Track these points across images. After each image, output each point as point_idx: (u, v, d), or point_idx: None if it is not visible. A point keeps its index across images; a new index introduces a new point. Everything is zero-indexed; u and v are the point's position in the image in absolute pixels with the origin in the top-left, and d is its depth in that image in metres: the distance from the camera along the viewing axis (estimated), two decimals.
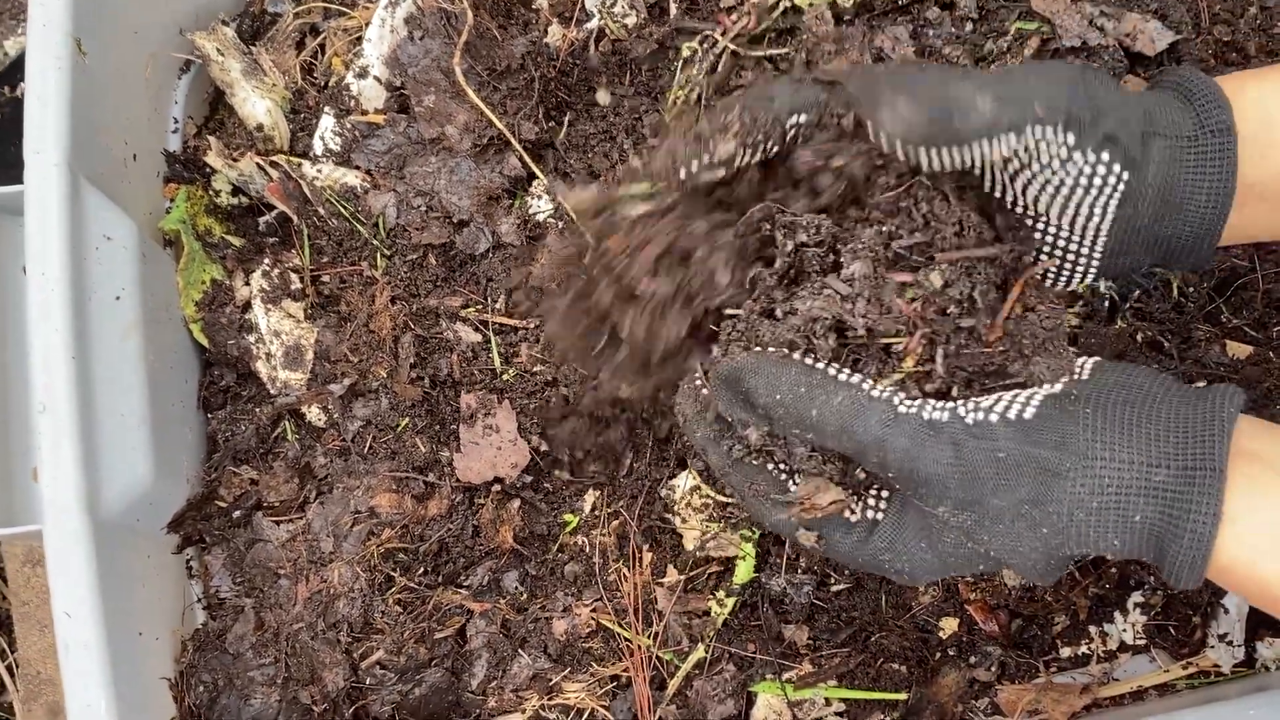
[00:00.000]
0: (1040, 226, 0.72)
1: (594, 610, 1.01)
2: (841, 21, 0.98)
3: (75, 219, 0.92)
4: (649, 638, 1.01)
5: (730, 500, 1.00)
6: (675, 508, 1.01)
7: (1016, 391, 0.66)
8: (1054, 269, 0.74)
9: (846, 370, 0.67)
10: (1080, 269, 0.72)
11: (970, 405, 0.64)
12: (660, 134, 0.82)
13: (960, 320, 0.68)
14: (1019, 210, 0.72)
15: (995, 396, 0.65)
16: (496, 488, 1.03)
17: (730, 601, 1.01)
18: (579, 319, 0.83)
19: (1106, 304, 1.02)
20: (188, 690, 0.99)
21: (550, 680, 1.01)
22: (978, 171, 0.70)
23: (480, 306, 1.04)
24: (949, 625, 1.02)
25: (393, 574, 1.01)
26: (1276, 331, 1.01)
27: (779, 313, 0.71)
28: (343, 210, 1.05)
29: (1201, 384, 0.99)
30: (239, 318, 1.07)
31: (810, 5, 0.98)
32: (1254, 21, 1.01)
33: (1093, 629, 1.03)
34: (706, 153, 0.71)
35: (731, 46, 0.99)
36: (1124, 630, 1.02)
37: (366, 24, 1.08)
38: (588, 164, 1.05)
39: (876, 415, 0.64)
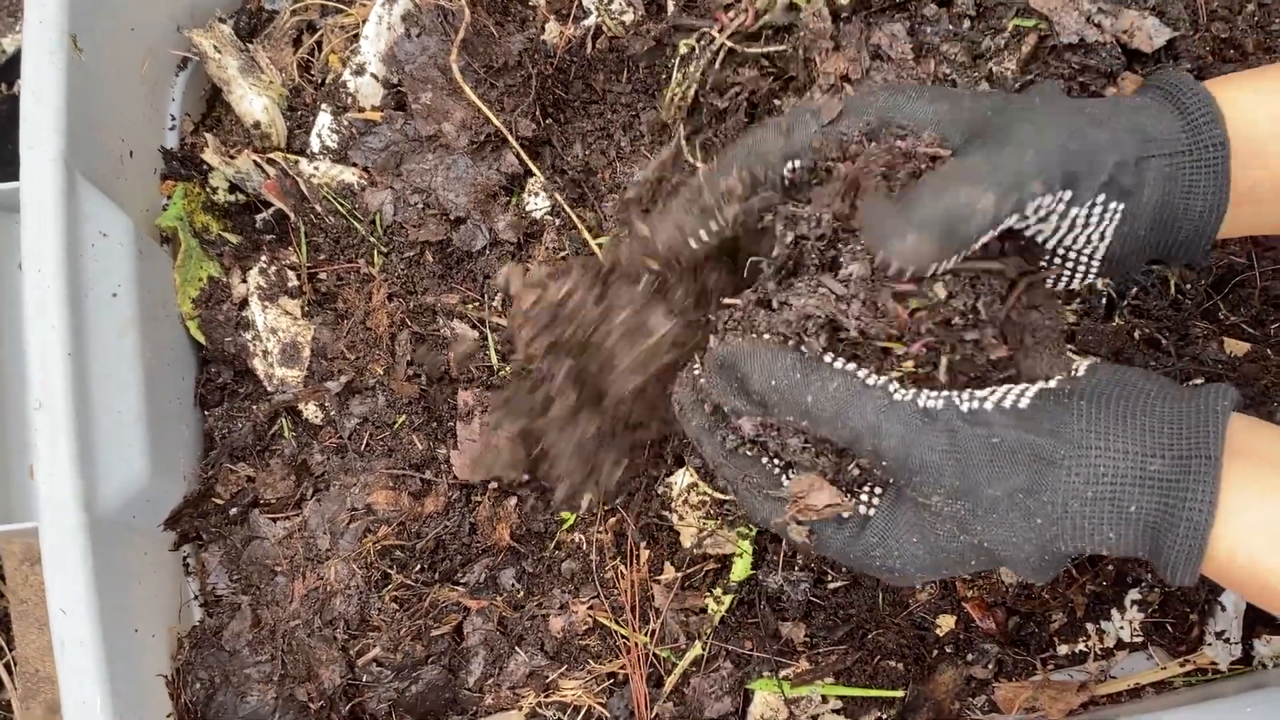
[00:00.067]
0: (1039, 240, 0.72)
1: (591, 608, 1.01)
2: (839, 19, 0.98)
3: (71, 216, 0.92)
4: (646, 635, 1.01)
5: (727, 498, 1.00)
6: (672, 505, 1.01)
7: (1010, 385, 0.66)
8: (1053, 275, 0.75)
9: (841, 359, 0.67)
10: (1079, 274, 0.73)
11: (966, 395, 0.65)
12: (629, 208, 0.82)
13: (965, 333, 0.68)
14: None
15: (990, 389, 0.65)
16: (494, 485, 1.03)
17: (727, 599, 1.01)
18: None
19: (1104, 301, 1.02)
20: (184, 687, 0.99)
21: (547, 678, 1.01)
22: None
23: (477, 304, 1.04)
24: (946, 623, 1.02)
25: (389, 571, 1.01)
26: (1274, 329, 1.01)
27: (774, 303, 0.71)
28: (340, 207, 1.05)
29: (1199, 381, 0.99)
30: (236, 315, 1.07)
31: (808, 2, 0.98)
32: (1251, 18, 1.00)
33: (1090, 626, 1.03)
34: (714, 221, 0.72)
35: (729, 44, 0.99)
36: (1121, 628, 1.02)
37: (364, 21, 1.08)
38: (585, 161, 1.05)
39: (871, 402, 0.64)
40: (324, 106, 1.08)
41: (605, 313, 0.79)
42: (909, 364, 0.67)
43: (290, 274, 1.07)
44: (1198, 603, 1.02)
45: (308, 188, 1.06)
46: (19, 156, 0.92)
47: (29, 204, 0.91)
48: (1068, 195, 0.65)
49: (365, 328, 1.05)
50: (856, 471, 0.70)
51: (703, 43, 1.00)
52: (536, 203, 1.04)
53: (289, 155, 1.08)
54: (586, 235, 1.02)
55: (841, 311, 0.68)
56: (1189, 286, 1.02)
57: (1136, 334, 1.01)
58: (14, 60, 1.49)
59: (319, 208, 1.06)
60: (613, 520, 1.03)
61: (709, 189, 0.72)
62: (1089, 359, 0.70)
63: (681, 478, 1.01)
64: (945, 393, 0.65)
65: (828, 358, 0.67)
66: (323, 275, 1.08)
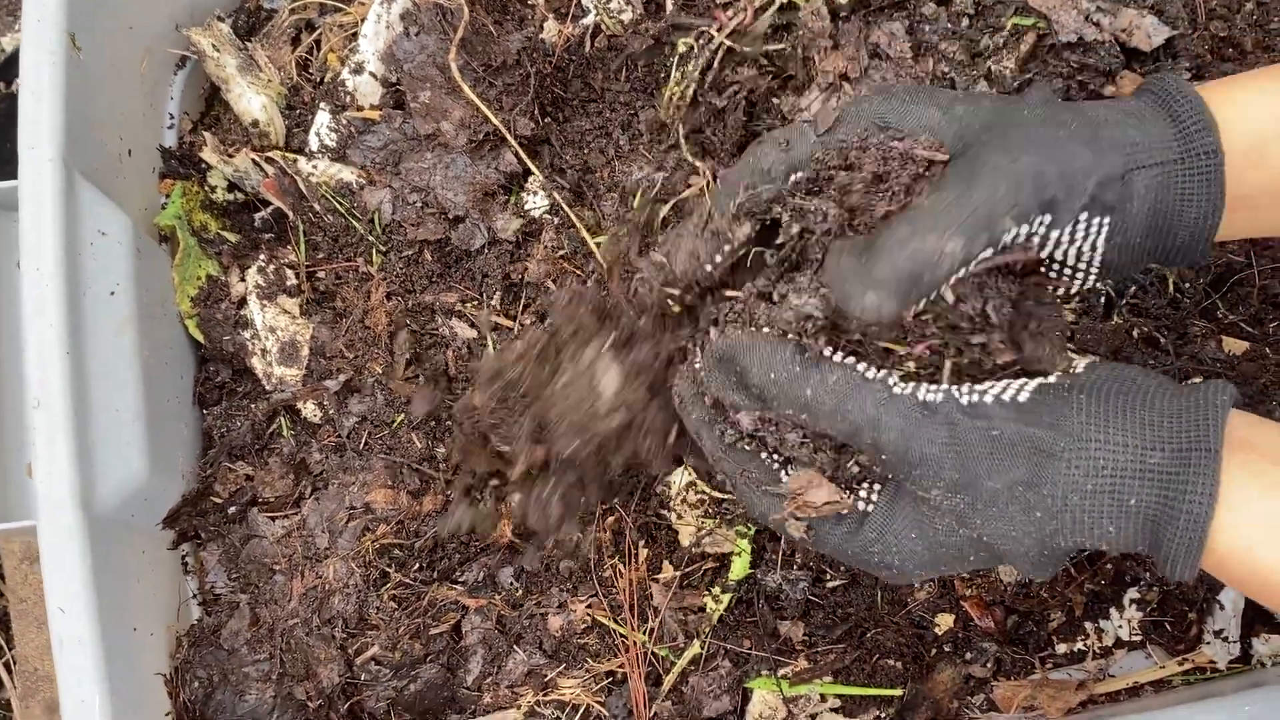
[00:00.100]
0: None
1: (590, 606, 1.01)
2: (837, 18, 0.98)
3: (70, 214, 0.92)
4: (645, 634, 1.01)
5: (726, 496, 1.00)
6: (671, 504, 1.01)
7: (1009, 380, 0.66)
8: (1052, 284, 0.75)
9: (841, 354, 0.67)
10: (1079, 280, 0.72)
11: (965, 388, 0.65)
12: (624, 244, 0.83)
13: (972, 336, 0.68)
14: None
15: (988, 384, 0.65)
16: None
17: (726, 598, 1.01)
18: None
19: (1102, 300, 1.02)
20: (183, 686, 0.99)
21: (545, 676, 1.01)
22: None
23: (476, 302, 1.04)
24: (945, 621, 1.02)
25: (388, 570, 1.01)
26: (1272, 327, 1.01)
27: (775, 296, 0.71)
28: (338, 206, 1.05)
29: (1198, 379, 0.99)
30: (234, 314, 1.07)
31: (806, 1, 0.98)
32: (1250, 17, 1.00)
33: (1088, 625, 1.03)
34: (728, 243, 0.73)
35: (727, 43, 0.99)
36: (1120, 626, 1.02)
37: (362, 20, 1.08)
38: (583, 160, 1.05)
39: (871, 395, 0.64)
40: (322, 105, 1.08)
41: (553, 376, 0.80)
42: (911, 365, 0.67)
43: (289, 272, 1.07)
44: (1196, 601, 1.02)
45: (306, 186, 1.06)
46: (17, 155, 0.92)
47: (27, 202, 0.91)
48: (1046, 219, 0.65)
49: (364, 326, 1.05)
50: (856, 469, 0.70)
51: (701, 41, 0.99)
52: (535, 201, 1.04)
53: (287, 154, 1.08)
54: (585, 234, 1.02)
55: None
56: (1187, 285, 1.02)
57: (1135, 333, 1.01)
58: (13, 59, 1.49)
59: (317, 206, 1.06)
60: (611, 519, 1.03)
61: (719, 213, 0.72)
62: (1088, 357, 0.70)
63: (680, 476, 1.01)
64: (944, 386, 0.65)
65: (827, 351, 0.67)
66: (321, 274, 1.08)
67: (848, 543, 0.70)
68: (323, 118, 1.08)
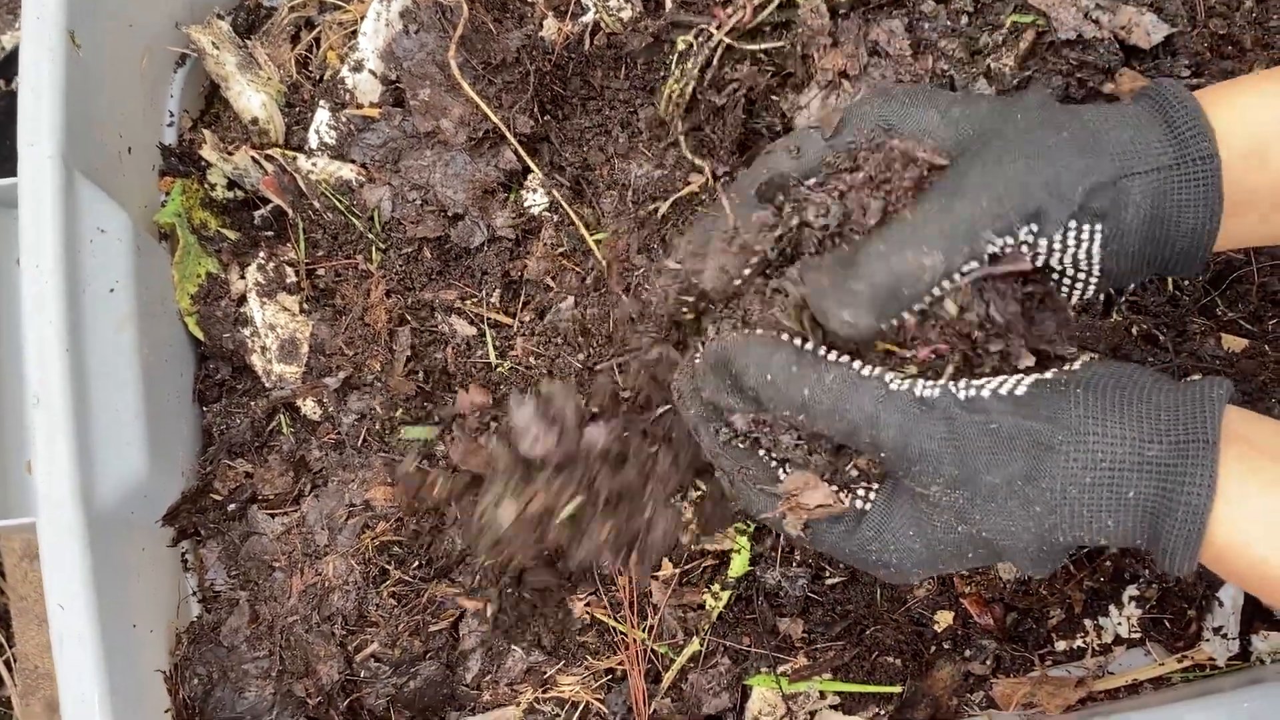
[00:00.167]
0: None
1: (589, 604, 1.01)
2: (837, 15, 0.98)
3: (69, 212, 0.92)
4: (644, 631, 1.01)
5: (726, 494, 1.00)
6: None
7: (1006, 376, 0.66)
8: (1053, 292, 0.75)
9: (836, 353, 0.67)
10: (1079, 289, 0.72)
11: (963, 383, 0.65)
12: (675, 257, 0.85)
13: (990, 345, 0.68)
14: None
15: (984, 380, 0.65)
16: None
17: (725, 595, 1.01)
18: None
19: (1102, 298, 1.02)
20: (182, 683, 0.99)
21: (545, 673, 1.01)
22: None
23: (475, 300, 1.04)
24: (944, 619, 1.02)
25: (387, 567, 1.01)
26: (1271, 325, 1.01)
27: (768, 291, 0.71)
28: (338, 204, 1.05)
29: (1196, 377, 0.99)
30: (234, 311, 1.07)
31: None
32: (1250, 15, 1.00)
33: (1088, 622, 1.03)
34: (755, 255, 0.72)
35: (727, 40, 0.99)
36: (1119, 624, 1.02)
37: (362, 17, 1.08)
38: (583, 158, 1.05)
39: (868, 393, 0.64)
40: (322, 103, 1.08)
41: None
42: (913, 367, 0.67)
43: (288, 270, 1.08)
44: (1195, 599, 1.02)
45: (306, 184, 1.06)
46: (17, 152, 0.92)
47: (27, 200, 0.91)
48: (1033, 229, 0.65)
49: (363, 324, 1.05)
50: (855, 473, 0.70)
51: (700, 39, 0.99)
52: (535, 199, 1.04)
53: (287, 151, 1.08)
54: (584, 232, 1.02)
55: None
56: (1186, 283, 1.02)
57: (1134, 330, 1.01)
58: (12, 56, 1.49)
59: (317, 204, 1.06)
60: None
61: (743, 225, 0.72)
62: (1086, 354, 0.70)
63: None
64: (941, 381, 0.65)
65: (822, 350, 0.67)
66: (321, 271, 1.08)
67: (845, 541, 0.70)
68: (322, 115, 1.08)
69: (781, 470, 0.72)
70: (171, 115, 1.12)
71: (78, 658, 0.88)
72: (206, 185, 1.10)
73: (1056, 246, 0.67)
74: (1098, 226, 0.66)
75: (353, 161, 1.07)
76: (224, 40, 1.11)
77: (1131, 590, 1.02)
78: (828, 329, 0.68)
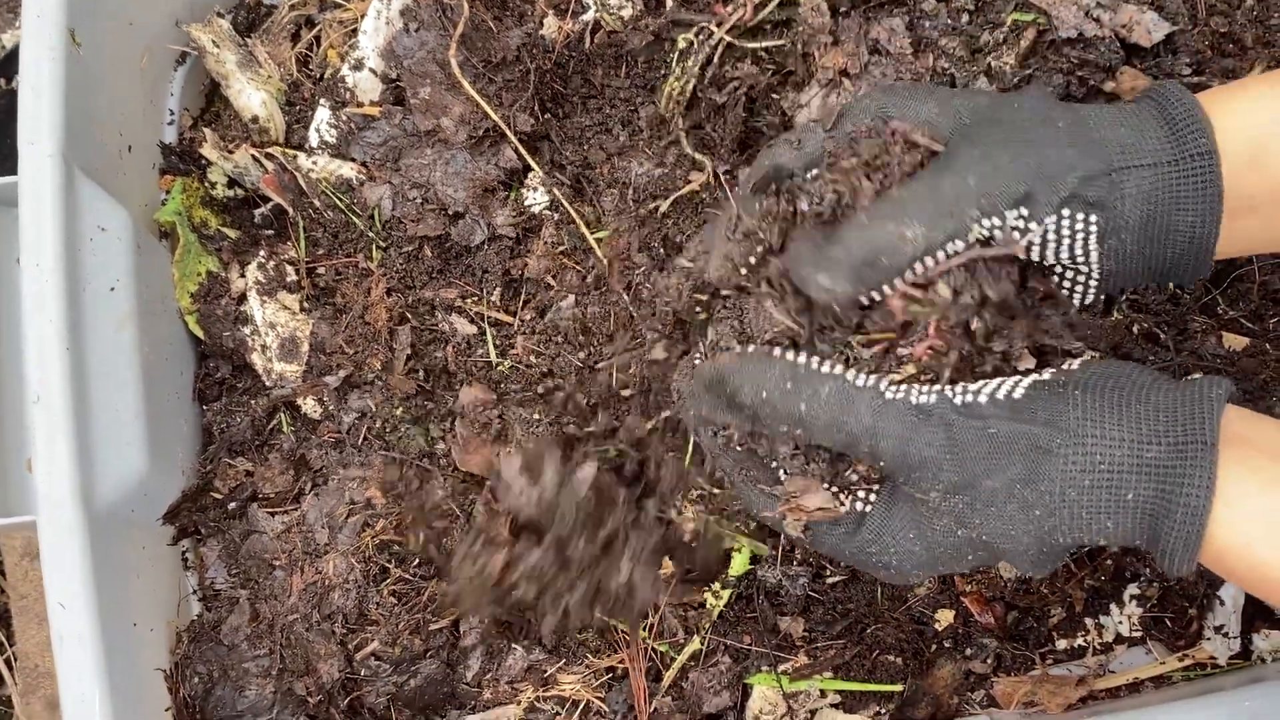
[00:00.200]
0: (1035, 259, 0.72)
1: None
2: (837, 14, 0.98)
3: (70, 210, 0.92)
4: (644, 630, 1.01)
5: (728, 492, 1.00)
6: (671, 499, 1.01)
7: (1003, 378, 0.66)
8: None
9: (829, 362, 0.67)
10: (1079, 292, 0.72)
11: (960, 388, 0.65)
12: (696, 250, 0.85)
13: (993, 343, 0.68)
14: None
15: (981, 383, 0.65)
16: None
17: (726, 593, 1.01)
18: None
19: (1103, 298, 1.02)
20: (183, 681, 0.99)
21: (545, 672, 1.01)
22: None
23: (476, 298, 1.04)
24: (945, 617, 1.02)
25: (388, 565, 1.01)
26: (1273, 323, 1.01)
27: (760, 283, 0.71)
28: (338, 202, 1.05)
29: (1197, 375, 0.99)
30: (234, 310, 1.07)
31: None
32: (1251, 13, 1.00)
33: (1089, 621, 1.03)
34: (761, 245, 0.72)
35: (727, 38, 0.99)
36: (1120, 622, 1.02)
37: (362, 16, 1.08)
38: (583, 155, 1.05)
39: (865, 404, 0.64)
40: (322, 101, 1.08)
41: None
42: (910, 368, 0.67)
43: (289, 269, 1.07)
44: (1196, 597, 1.02)
45: (306, 182, 1.06)
46: (17, 151, 0.92)
47: (27, 198, 0.91)
48: (1023, 212, 0.65)
49: (364, 322, 1.05)
50: (854, 477, 0.70)
51: (701, 37, 0.99)
52: (535, 197, 1.04)
53: (287, 150, 1.08)
54: (585, 230, 1.02)
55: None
56: None
57: (1135, 328, 1.01)
58: (13, 55, 1.49)
59: (317, 202, 1.06)
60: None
61: (747, 215, 0.72)
62: (1086, 353, 0.70)
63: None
64: (936, 387, 0.65)
65: (814, 362, 0.67)
66: (321, 270, 1.08)
67: (845, 543, 0.71)
68: (322, 114, 1.08)
69: (782, 471, 0.72)
70: (172, 113, 1.12)
71: (78, 656, 0.88)
72: (207, 184, 1.10)
73: (1051, 235, 0.66)
74: (1093, 218, 0.66)
75: (353, 160, 1.07)
76: (224, 38, 1.11)
77: (1132, 589, 1.02)
78: (807, 295, 0.68)
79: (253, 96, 1.09)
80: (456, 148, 1.03)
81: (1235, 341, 1.00)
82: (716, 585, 1.01)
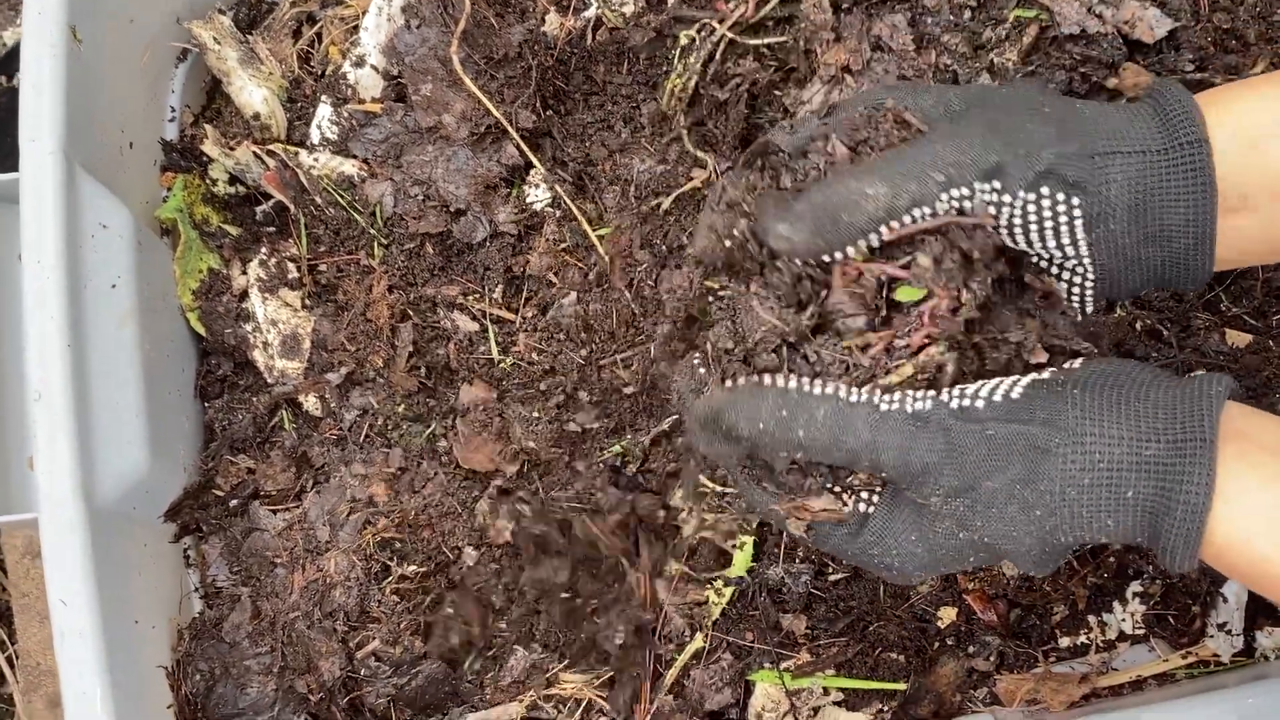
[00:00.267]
0: (1021, 247, 0.71)
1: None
2: (840, 10, 0.98)
3: (71, 207, 0.92)
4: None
5: (729, 490, 1.00)
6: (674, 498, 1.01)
7: (1001, 378, 0.65)
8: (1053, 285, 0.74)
9: (819, 381, 0.67)
10: (1076, 289, 0.72)
11: (956, 391, 0.64)
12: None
13: (1010, 334, 0.68)
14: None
15: (979, 384, 0.65)
16: (495, 482, 1.03)
17: (728, 591, 1.00)
18: None
19: (1104, 300, 1.01)
20: (184, 679, 0.99)
21: (548, 670, 1.01)
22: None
23: (477, 295, 1.04)
24: (947, 615, 1.02)
25: (389, 563, 1.01)
26: (1276, 320, 1.01)
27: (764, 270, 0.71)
28: (340, 199, 1.05)
29: (1200, 373, 0.99)
30: (236, 307, 1.07)
31: None
32: (1254, 9, 1.00)
33: (1091, 619, 1.03)
34: (742, 217, 0.72)
35: (729, 35, 0.98)
36: (1123, 620, 1.02)
37: (363, 13, 1.08)
38: (585, 152, 1.04)
39: (861, 419, 0.64)
40: (324, 98, 1.08)
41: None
42: (907, 368, 0.67)
43: (290, 266, 1.07)
44: (1199, 594, 1.01)
45: (308, 179, 1.06)
46: (18, 148, 0.92)
47: (28, 195, 0.91)
48: (996, 185, 0.65)
49: (365, 319, 1.05)
50: (856, 481, 0.70)
51: (703, 34, 0.99)
52: (537, 194, 1.04)
53: (289, 147, 1.08)
54: (587, 227, 1.02)
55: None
56: None
57: (1138, 325, 1.00)
58: (14, 53, 1.49)
59: (319, 199, 1.06)
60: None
61: (732, 186, 0.73)
62: (1080, 357, 0.70)
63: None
64: (931, 392, 0.65)
65: (805, 383, 0.67)
66: (323, 267, 1.08)
67: (847, 544, 0.71)
68: (324, 111, 1.07)
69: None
70: (173, 110, 1.12)
71: (80, 654, 0.87)
72: (208, 181, 1.10)
73: (1031, 212, 0.66)
74: (1075, 200, 0.65)
75: (354, 157, 1.07)
76: (225, 35, 1.11)
77: (1135, 586, 1.02)
78: (766, 245, 0.69)
79: (254, 93, 1.09)
80: (458, 144, 1.03)
81: (1238, 338, 1.00)
82: (719, 583, 1.01)
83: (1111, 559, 1.01)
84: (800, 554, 1.00)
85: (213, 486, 1.06)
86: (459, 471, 1.02)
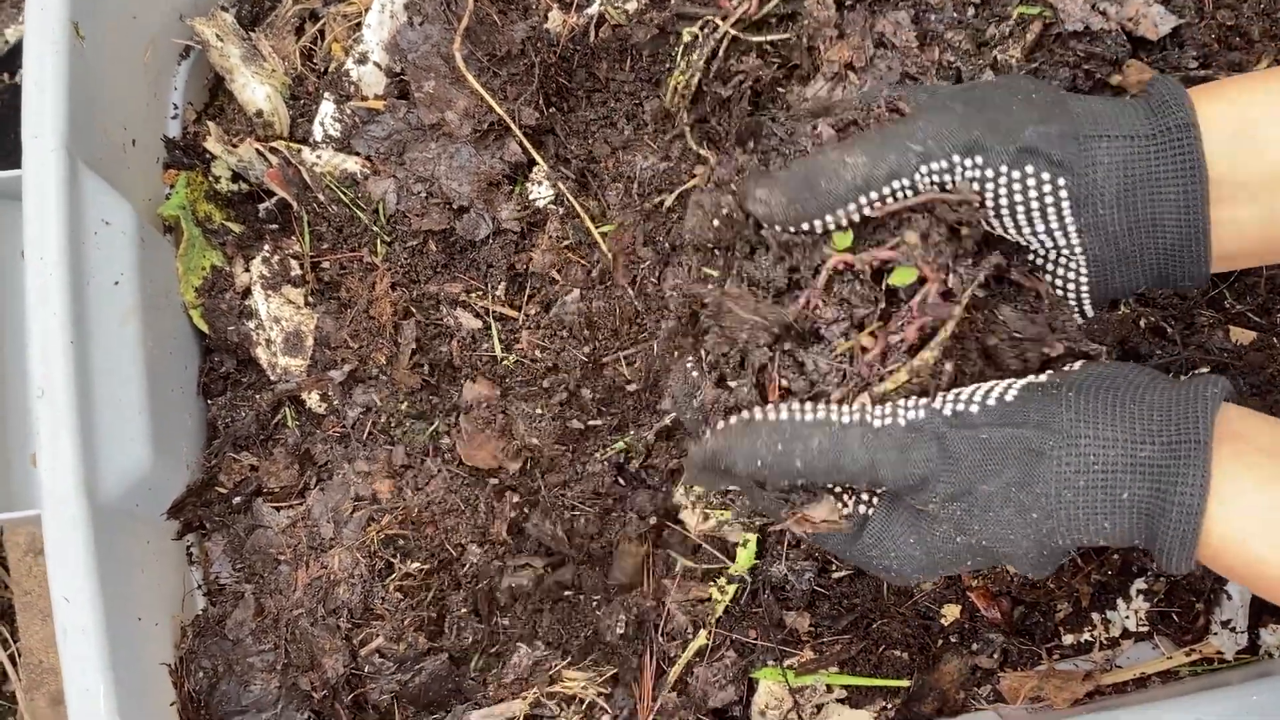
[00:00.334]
0: (1014, 236, 0.71)
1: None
2: (843, 6, 0.98)
3: (73, 204, 0.92)
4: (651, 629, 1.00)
5: (730, 487, 1.00)
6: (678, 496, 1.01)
7: (995, 382, 0.65)
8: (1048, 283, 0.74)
9: (810, 406, 0.67)
10: (1072, 287, 0.72)
11: (950, 396, 0.64)
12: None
13: (1029, 330, 0.68)
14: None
15: (973, 388, 0.65)
16: (495, 480, 1.03)
17: (731, 588, 1.00)
18: None
19: (1101, 297, 1.01)
20: (187, 676, 0.99)
21: (551, 668, 1.00)
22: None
23: (480, 293, 1.04)
24: (951, 612, 1.02)
25: (393, 560, 1.01)
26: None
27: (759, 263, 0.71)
28: (343, 196, 1.05)
29: (1204, 370, 0.99)
30: (239, 304, 1.07)
31: None
32: (1257, 6, 1.00)
33: (1095, 616, 1.03)
34: (729, 195, 0.73)
35: (732, 32, 0.98)
36: (1127, 617, 1.02)
37: (366, 9, 1.08)
38: (588, 149, 1.04)
39: (856, 439, 0.64)
40: (327, 95, 1.08)
41: None
42: (903, 374, 0.66)
43: (293, 263, 1.07)
44: (1203, 592, 1.01)
45: (310, 176, 1.06)
46: (21, 145, 0.92)
47: (31, 192, 0.91)
48: (977, 161, 0.65)
49: (368, 317, 1.05)
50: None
51: (706, 31, 0.99)
52: (540, 191, 1.04)
53: (292, 144, 1.08)
54: (589, 224, 1.02)
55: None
56: None
57: (1142, 322, 1.00)
58: (16, 50, 1.49)
59: (322, 197, 1.06)
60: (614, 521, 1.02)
61: (721, 167, 0.73)
62: (1080, 359, 0.70)
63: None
64: (924, 400, 0.65)
65: (796, 411, 0.67)
66: (326, 264, 1.08)
67: (847, 546, 0.71)
68: (327, 108, 1.07)
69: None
70: (176, 108, 1.12)
71: (82, 651, 0.87)
72: (211, 178, 1.10)
73: (1017, 190, 0.66)
74: (1060, 180, 0.66)
75: (357, 154, 1.06)
76: (228, 32, 1.11)
77: (1139, 584, 1.02)
78: (747, 211, 0.70)
79: (257, 90, 1.09)
80: (461, 142, 1.03)
81: (1243, 336, 1.00)
82: (722, 580, 1.01)
83: (1115, 556, 1.01)
84: (804, 551, 1.00)
85: (215, 484, 1.06)
86: (462, 469, 1.02)
